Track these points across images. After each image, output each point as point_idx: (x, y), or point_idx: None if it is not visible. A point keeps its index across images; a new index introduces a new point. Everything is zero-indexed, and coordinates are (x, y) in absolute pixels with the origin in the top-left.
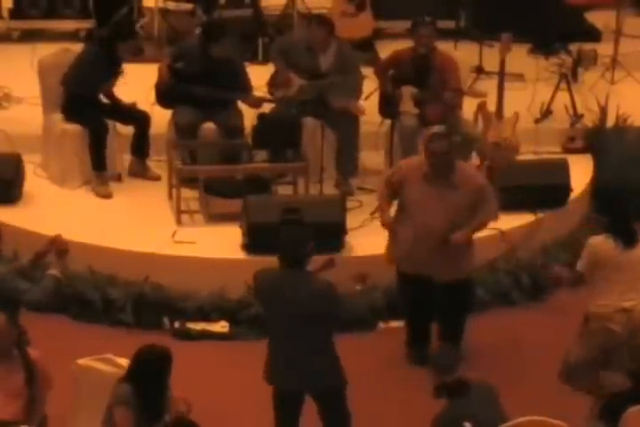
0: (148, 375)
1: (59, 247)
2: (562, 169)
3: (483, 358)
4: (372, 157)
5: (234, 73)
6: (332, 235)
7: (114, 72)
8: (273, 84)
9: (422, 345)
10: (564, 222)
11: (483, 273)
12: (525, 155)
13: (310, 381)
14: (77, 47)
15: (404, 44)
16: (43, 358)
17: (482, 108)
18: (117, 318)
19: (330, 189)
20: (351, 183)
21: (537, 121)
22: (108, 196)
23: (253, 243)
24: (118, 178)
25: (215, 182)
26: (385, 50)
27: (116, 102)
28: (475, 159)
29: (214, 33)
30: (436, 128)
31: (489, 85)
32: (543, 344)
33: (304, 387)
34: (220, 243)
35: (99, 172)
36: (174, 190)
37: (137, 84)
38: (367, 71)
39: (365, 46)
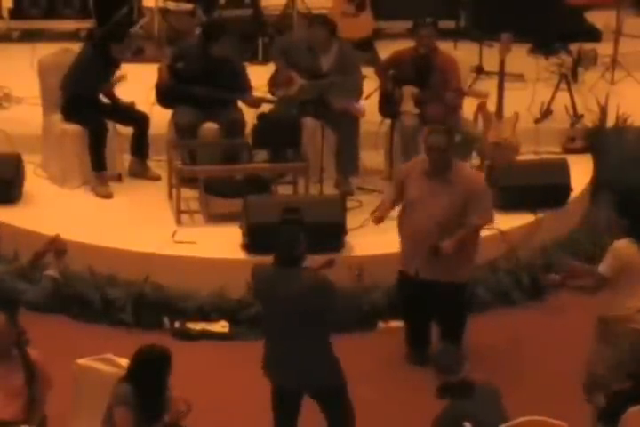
0: (148, 375)
1: (57, 247)
2: (562, 169)
3: (483, 357)
4: (372, 157)
5: (234, 73)
6: (332, 235)
7: (111, 72)
8: (274, 83)
9: (422, 345)
10: (564, 222)
11: (483, 273)
12: (525, 155)
13: (308, 380)
14: (77, 47)
15: (404, 45)
16: (42, 357)
17: (482, 108)
18: (117, 318)
19: (330, 189)
20: (351, 183)
21: (537, 121)
22: (108, 196)
23: (253, 243)
24: (118, 178)
25: (215, 182)
26: (385, 50)
27: (116, 102)
28: (475, 159)
29: (214, 33)
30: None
31: (489, 85)
32: (543, 344)
33: (302, 386)
34: (220, 243)
35: (99, 172)
36: (174, 190)
37: (137, 84)
38: (367, 71)
39: (365, 46)
